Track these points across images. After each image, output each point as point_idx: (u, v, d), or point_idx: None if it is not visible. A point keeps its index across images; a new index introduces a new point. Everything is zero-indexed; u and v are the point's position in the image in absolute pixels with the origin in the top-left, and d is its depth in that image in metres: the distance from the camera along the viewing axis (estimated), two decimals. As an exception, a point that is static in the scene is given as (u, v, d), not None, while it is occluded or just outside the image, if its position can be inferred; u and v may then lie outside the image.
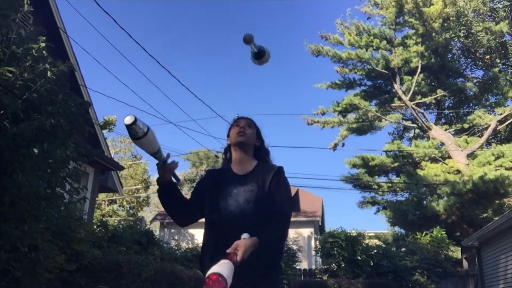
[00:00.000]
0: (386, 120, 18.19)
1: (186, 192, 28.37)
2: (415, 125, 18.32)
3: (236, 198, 1.82)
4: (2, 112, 2.93)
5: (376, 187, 17.03)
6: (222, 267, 1.43)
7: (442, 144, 16.07)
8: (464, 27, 16.47)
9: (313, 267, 12.04)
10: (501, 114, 16.24)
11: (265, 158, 2.04)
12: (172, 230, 16.45)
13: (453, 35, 16.97)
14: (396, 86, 17.01)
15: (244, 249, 1.54)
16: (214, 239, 1.81)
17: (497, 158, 14.75)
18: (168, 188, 1.89)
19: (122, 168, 11.26)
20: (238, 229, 1.70)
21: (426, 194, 14.43)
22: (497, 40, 16.75)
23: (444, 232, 11.23)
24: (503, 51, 17.55)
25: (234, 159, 1.98)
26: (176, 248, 10.24)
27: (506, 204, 14.28)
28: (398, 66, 16.74)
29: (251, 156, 1.98)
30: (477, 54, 18.05)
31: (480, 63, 18.57)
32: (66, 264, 5.11)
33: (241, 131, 1.94)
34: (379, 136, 73.27)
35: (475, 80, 18.33)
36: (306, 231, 15.45)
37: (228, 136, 2.03)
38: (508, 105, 16.69)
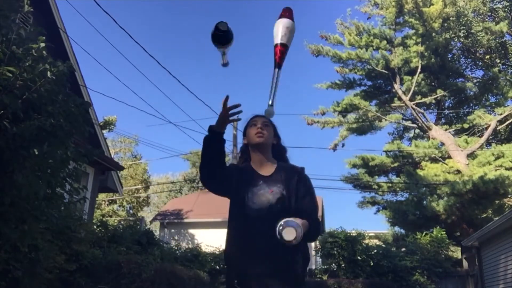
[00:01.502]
0: (386, 120, 18.19)
1: (186, 192, 28.41)
2: (415, 125, 18.32)
3: (265, 199, 1.82)
4: (2, 112, 2.94)
5: (376, 187, 17.02)
6: None
7: (442, 144, 16.07)
8: (464, 27, 16.47)
9: (313, 267, 12.03)
10: (501, 114, 16.24)
11: (284, 156, 2.06)
12: (172, 230, 16.44)
13: (453, 35, 16.96)
14: (396, 86, 17.01)
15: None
16: (244, 240, 1.81)
17: (497, 158, 14.74)
18: (218, 140, 1.86)
19: (122, 168, 11.26)
20: (268, 230, 1.72)
21: (426, 194, 14.43)
22: (497, 40, 16.74)
23: (444, 232, 11.22)
24: (503, 51, 17.55)
25: (254, 160, 1.97)
26: (176, 248, 10.24)
27: (506, 204, 14.27)
28: (398, 66, 16.74)
29: (270, 155, 1.98)
30: (477, 54, 18.06)
31: (480, 63, 18.57)
32: (66, 264, 5.11)
33: (259, 131, 1.92)
34: (379, 136, 73.23)
35: (475, 80, 18.34)
36: (306, 231, 15.44)
37: (244, 135, 2.02)
38: (508, 105, 16.69)
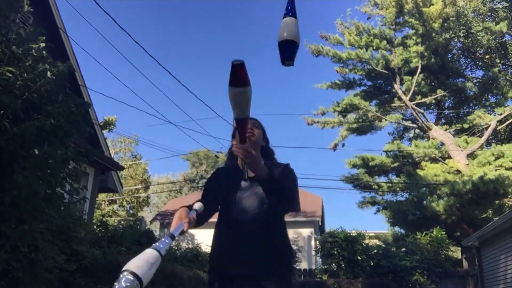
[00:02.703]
0: (386, 120, 18.19)
1: (186, 192, 28.39)
2: (415, 125, 18.32)
3: (249, 200, 1.83)
4: (2, 112, 2.93)
5: (376, 187, 17.02)
6: None
7: (442, 144, 16.07)
8: (464, 27, 16.47)
9: (313, 267, 12.04)
10: (501, 114, 16.23)
11: (271, 157, 2.07)
12: (172, 230, 16.43)
13: (453, 35, 16.96)
14: (396, 86, 17.01)
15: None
16: (230, 241, 1.81)
17: (497, 158, 14.73)
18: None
19: (122, 168, 11.26)
20: (254, 230, 1.73)
21: (426, 194, 14.43)
22: (497, 40, 16.75)
23: (444, 232, 11.22)
24: (503, 51, 17.55)
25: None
26: (176, 248, 10.23)
27: (506, 204, 14.27)
28: (398, 66, 16.74)
29: (259, 155, 1.98)
30: (477, 54, 18.06)
31: (480, 63, 18.57)
32: (66, 264, 5.11)
33: (250, 132, 1.91)
34: (379, 136, 73.33)
35: (475, 80, 18.33)
36: (306, 231, 15.44)
37: (233, 137, 2.02)
38: (508, 105, 16.68)
